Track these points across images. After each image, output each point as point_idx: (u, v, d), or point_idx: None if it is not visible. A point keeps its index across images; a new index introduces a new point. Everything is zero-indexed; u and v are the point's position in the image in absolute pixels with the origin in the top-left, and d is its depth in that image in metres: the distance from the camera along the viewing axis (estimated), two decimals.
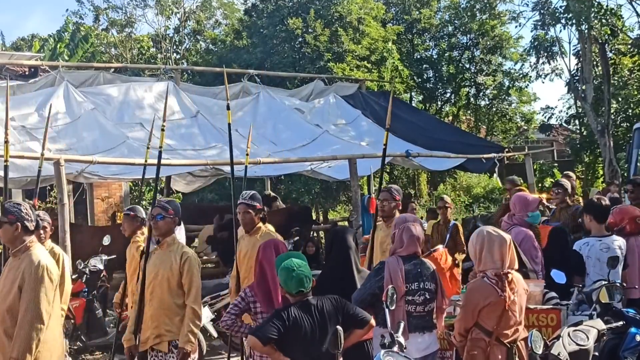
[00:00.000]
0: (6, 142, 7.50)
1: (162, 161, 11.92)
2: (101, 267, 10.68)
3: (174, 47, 36.75)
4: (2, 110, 12.72)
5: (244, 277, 7.45)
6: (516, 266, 5.56)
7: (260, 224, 7.45)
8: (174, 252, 6.45)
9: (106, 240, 10.96)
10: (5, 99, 13.17)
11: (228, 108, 8.87)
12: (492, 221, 10.62)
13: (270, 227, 7.80)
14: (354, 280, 6.12)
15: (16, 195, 19.01)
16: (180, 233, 8.33)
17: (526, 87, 29.84)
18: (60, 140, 12.97)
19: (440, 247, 8.42)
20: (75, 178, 12.27)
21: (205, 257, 14.50)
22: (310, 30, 23.85)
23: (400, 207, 8.03)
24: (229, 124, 8.64)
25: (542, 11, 22.28)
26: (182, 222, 7.15)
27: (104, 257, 10.82)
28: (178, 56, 36.16)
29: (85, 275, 10.40)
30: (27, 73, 16.91)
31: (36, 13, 75.30)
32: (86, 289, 10.36)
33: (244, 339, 6.47)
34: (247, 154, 10.03)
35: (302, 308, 5.17)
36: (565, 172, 12.96)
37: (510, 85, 28.88)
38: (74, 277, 10.29)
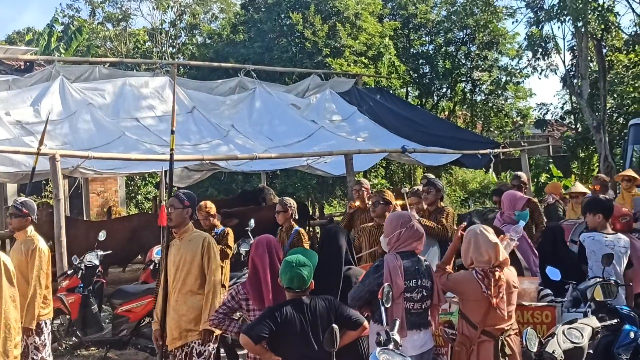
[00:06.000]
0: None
1: (159, 157, 12.03)
2: (97, 262, 10.64)
3: (170, 41, 36.68)
4: None
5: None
6: (502, 262, 5.62)
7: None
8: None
9: (102, 236, 10.95)
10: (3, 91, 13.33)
11: None
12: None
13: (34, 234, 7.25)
14: (340, 279, 6.09)
15: (11, 190, 19.02)
16: None
17: (523, 82, 29.88)
18: (56, 135, 12.97)
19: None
20: (71, 173, 12.25)
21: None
22: (308, 25, 23.83)
23: (190, 214, 6.87)
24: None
25: (535, 9, 22.32)
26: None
27: (100, 253, 10.78)
28: (174, 50, 36.08)
29: (81, 271, 10.37)
30: (22, 67, 16.87)
31: (32, 6, 75.16)
32: (82, 285, 10.32)
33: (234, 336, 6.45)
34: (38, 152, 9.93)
35: (295, 307, 5.17)
36: (515, 174, 12.11)
37: (508, 80, 28.89)
38: (69, 272, 10.29)
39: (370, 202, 9.60)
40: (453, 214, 9.00)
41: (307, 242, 9.36)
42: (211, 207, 9.21)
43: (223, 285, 9.04)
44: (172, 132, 6.83)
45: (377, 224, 8.59)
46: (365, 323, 5.39)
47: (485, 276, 5.54)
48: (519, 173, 11.60)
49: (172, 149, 6.91)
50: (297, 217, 9.50)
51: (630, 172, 11.31)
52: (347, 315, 5.28)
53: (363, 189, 10.27)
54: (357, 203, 10.30)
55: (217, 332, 6.57)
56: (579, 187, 12.02)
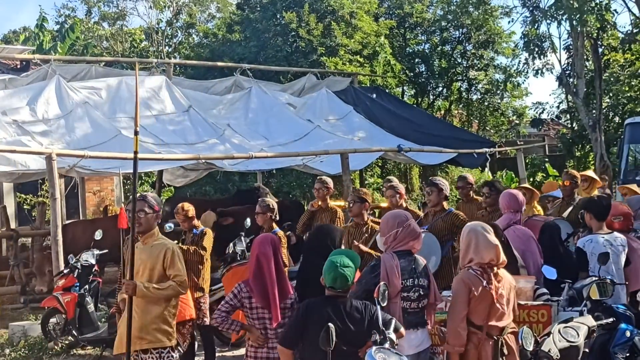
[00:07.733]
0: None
1: (154, 155, 12.03)
2: (93, 261, 10.62)
3: (166, 40, 36.66)
4: None
5: None
6: (501, 262, 5.61)
7: None
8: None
9: (98, 235, 10.93)
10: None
11: None
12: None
13: None
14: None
15: (7, 188, 19.00)
16: None
17: (524, 82, 29.87)
18: (52, 135, 12.96)
19: None
20: (67, 172, 12.24)
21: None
22: (303, 24, 23.83)
23: (160, 220, 6.68)
24: None
25: (531, 8, 22.38)
26: None
27: (96, 252, 10.76)
28: (170, 49, 36.06)
29: (77, 270, 10.36)
30: (18, 66, 16.85)
31: (28, 5, 75.01)
32: (78, 284, 10.29)
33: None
34: None
35: (331, 303, 5.19)
36: (461, 175, 11.66)
37: (507, 80, 28.88)
38: (65, 271, 10.28)
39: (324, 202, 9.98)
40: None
41: (284, 245, 9.18)
42: (189, 209, 9.01)
43: (202, 289, 9.00)
44: (136, 132, 6.61)
45: (355, 223, 8.50)
46: (402, 330, 5.32)
47: (484, 271, 5.53)
48: (463, 174, 11.37)
49: (136, 152, 6.70)
50: (277, 218, 9.35)
51: (589, 173, 11.08)
52: (386, 322, 5.18)
53: (324, 187, 10.28)
54: (319, 202, 10.29)
55: (171, 342, 6.36)
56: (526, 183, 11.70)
